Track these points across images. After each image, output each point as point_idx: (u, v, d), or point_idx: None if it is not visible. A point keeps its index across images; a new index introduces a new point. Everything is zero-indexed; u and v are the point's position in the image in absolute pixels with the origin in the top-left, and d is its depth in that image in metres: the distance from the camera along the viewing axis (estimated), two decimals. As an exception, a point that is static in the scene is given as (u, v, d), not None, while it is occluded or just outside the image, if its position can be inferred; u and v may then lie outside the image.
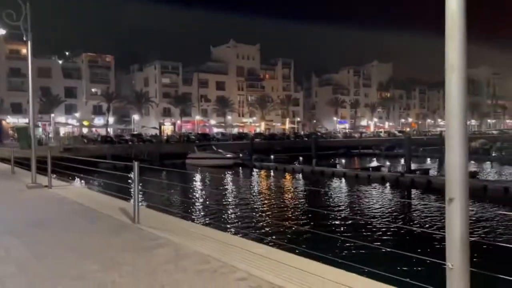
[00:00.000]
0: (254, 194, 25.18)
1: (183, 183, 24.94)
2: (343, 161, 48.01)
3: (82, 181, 20.73)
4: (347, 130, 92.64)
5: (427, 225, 16.02)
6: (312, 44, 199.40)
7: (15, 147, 28.84)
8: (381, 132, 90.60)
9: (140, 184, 7.19)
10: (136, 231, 6.29)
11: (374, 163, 43.02)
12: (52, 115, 67.33)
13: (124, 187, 8.97)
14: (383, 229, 15.17)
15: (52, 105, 67.00)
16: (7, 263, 4.85)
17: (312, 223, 16.08)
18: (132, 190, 6.79)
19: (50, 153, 11.83)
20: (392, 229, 15.04)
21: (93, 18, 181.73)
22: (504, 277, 3.60)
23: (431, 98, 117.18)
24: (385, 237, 14.20)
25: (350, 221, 16.65)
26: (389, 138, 73.15)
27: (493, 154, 49.16)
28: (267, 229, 15.34)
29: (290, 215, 18.54)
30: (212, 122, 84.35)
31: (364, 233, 14.55)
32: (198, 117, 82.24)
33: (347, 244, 11.72)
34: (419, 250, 10.17)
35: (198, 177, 32.65)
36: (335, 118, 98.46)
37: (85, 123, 73.40)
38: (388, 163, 40.82)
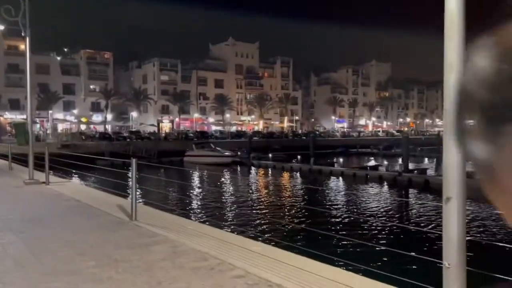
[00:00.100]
0: (252, 192, 25.20)
1: (181, 180, 24.92)
2: (341, 160, 48.06)
3: (79, 177, 20.70)
4: (345, 129, 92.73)
5: (424, 224, 16.06)
6: (311, 43, 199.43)
7: (13, 143, 28.76)
8: (379, 131, 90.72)
9: (138, 181, 7.19)
10: (134, 228, 6.29)
11: (372, 162, 43.07)
12: (50, 111, 67.17)
13: (121, 184, 8.98)
14: (380, 228, 15.21)
15: (50, 102, 66.82)
16: (5, 259, 4.85)
17: (309, 222, 16.11)
18: (129, 187, 6.80)
19: (48, 150, 11.82)
20: (389, 228, 15.08)
21: (92, 15, 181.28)
22: (500, 276, 3.61)
23: (430, 98, 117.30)
24: (382, 236, 14.24)
25: (347, 220, 16.69)
26: (387, 137, 73.23)
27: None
28: (264, 227, 15.36)
29: (287, 213, 18.57)
30: (211, 120, 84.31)
31: (361, 232, 14.58)
32: (196, 115, 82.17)
33: (344, 243, 11.74)
34: (416, 249, 10.19)
35: (196, 174, 32.64)
36: (333, 117, 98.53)
37: (83, 119, 73.25)
38: (386, 163, 40.88)
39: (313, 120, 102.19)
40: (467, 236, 2.64)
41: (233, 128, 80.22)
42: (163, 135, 65.09)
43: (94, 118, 75.25)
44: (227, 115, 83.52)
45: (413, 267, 8.98)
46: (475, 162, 0.40)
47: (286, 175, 35.42)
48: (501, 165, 0.37)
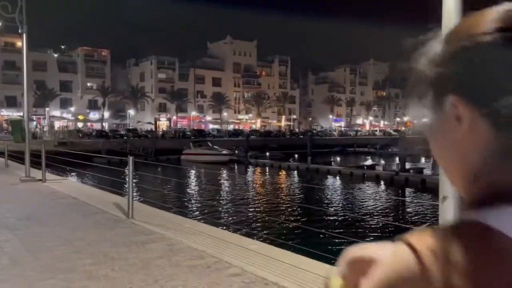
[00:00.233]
0: (249, 190, 25.21)
1: (178, 178, 24.89)
2: (338, 159, 48.11)
3: (76, 175, 20.65)
4: (342, 128, 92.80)
5: (420, 223, 16.11)
6: (309, 42, 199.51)
7: (9, 140, 28.66)
8: (376, 130, 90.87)
9: (135, 179, 7.18)
10: (130, 226, 6.28)
11: (369, 162, 43.13)
12: (47, 109, 66.95)
13: (118, 182, 8.96)
14: (376, 226, 15.26)
15: (47, 99, 66.61)
16: (1, 256, 4.84)
17: (306, 220, 16.13)
18: (126, 185, 6.79)
19: (45, 147, 11.79)
20: (385, 227, 15.12)
21: (90, 13, 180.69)
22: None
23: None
24: (378, 234, 14.27)
25: (343, 218, 16.74)
26: (384, 136, 73.38)
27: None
28: (261, 225, 15.37)
29: (284, 212, 18.58)
30: (208, 118, 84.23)
31: (357, 230, 14.62)
32: (194, 113, 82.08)
33: (340, 241, 11.77)
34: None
35: (193, 173, 32.62)
36: (330, 116, 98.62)
37: (80, 117, 73.05)
38: (382, 162, 40.96)
39: (310, 119, 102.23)
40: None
41: (231, 127, 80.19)
42: (160, 133, 65.01)
43: (91, 115, 75.05)
44: (225, 114, 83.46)
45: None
46: (423, 126, 0.50)
47: (283, 174, 35.45)
48: (437, 128, 0.49)
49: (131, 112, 76.71)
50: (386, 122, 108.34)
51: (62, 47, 77.92)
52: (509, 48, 0.43)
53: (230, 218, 16.69)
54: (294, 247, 5.80)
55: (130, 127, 69.51)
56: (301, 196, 23.39)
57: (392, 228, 15.07)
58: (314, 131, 77.81)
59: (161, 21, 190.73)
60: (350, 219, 16.47)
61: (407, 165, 33.33)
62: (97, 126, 70.54)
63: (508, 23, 0.45)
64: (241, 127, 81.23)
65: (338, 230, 14.39)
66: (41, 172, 11.42)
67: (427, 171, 32.82)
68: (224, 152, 41.77)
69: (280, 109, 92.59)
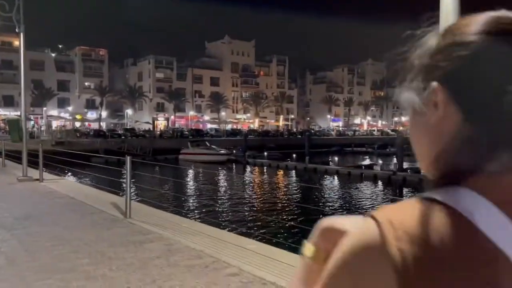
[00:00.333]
0: (247, 190, 25.20)
1: (175, 178, 24.86)
2: (336, 159, 48.16)
3: (73, 174, 20.59)
4: (340, 128, 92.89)
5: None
6: (307, 42, 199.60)
7: (6, 139, 28.56)
8: (374, 130, 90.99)
9: (133, 178, 7.17)
10: (128, 226, 6.27)
11: (367, 161, 43.20)
12: (45, 108, 66.75)
13: (116, 181, 8.94)
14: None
15: (44, 98, 66.42)
16: (-3, 256, 4.82)
17: (303, 219, 16.14)
18: (124, 184, 6.78)
19: (42, 147, 11.76)
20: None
21: (88, 12, 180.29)
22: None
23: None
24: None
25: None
26: (382, 136, 73.49)
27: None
28: (259, 225, 15.37)
29: (282, 211, 18.59)
30: (206, 118, 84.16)
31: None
32: (192, 113, 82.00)
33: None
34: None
35: (191, 172, 32.60)
36: (328, 116, 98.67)
37: (78, 117, 72.89)
38: (380, 162, 41.00)
39: (308, 118, 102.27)
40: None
41: (229, 126, 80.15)
42: (158, 132, 64.89)
43: (89, 115, 74.89)
44: (223, 113, 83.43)
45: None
46: (408, 105, 0.56)
47: (281, 173, 35.46)
48: (419, 109, 0.54)
49: (129, 111, 76.59)
50: (384, 122, 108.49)
51: (60, 46, 77.80)
52: (490, 50, 0.49)
53: (228, 218, 16.68)
54: (292, 246, 5.80)
55: (128, 127, 69.39)
56: (299, 195, 23.39)
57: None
58: (312, 131, 77.85)
59: (160, 21, 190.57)
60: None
61: (405, 165, 33.35)
62: (94, 125, 70.41)
63: (491, 28, 0.50)
64: (239, 127, 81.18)
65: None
66: (38, 171, 11.40)
67: (425, 171, 32.83)
68: (222, 151, 41.76)
69: (278, 108, 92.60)
